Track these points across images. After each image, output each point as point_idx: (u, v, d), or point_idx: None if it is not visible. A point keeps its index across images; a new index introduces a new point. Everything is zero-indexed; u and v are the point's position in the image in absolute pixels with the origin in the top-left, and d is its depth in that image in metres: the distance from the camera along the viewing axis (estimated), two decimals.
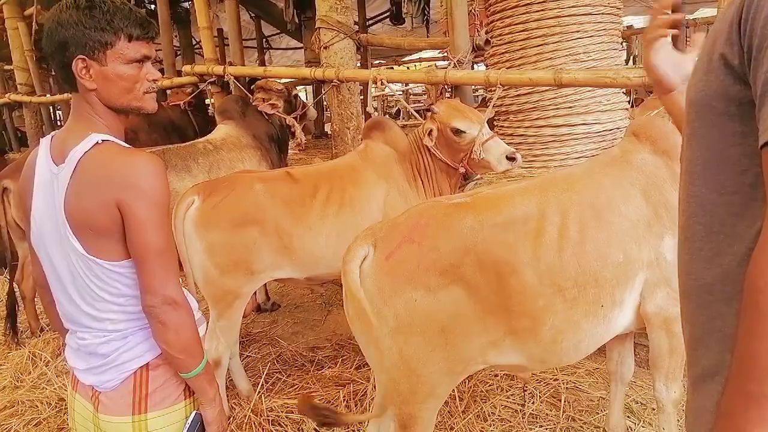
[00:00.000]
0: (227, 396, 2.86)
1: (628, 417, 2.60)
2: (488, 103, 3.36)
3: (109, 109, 1.36)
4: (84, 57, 1.29)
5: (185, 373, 1.39)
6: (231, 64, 4.95)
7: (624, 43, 8.50)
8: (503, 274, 1.77)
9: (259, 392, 2.91)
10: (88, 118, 1.34)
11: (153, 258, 1.30)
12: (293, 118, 4.24)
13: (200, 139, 3.83)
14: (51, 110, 8.53)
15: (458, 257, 1.76)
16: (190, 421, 1.45)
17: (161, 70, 6.23)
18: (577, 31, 3.54)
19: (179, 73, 5.75)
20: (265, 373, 3.13)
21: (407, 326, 1.74)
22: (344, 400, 2.81)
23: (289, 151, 4.49)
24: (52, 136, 1.40)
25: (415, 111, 3.70)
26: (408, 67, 12.87)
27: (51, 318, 1.59)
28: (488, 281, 1.76)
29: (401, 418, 1.86)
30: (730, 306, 0.72)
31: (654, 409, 2.32)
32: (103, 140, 1.31)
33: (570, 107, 3.62)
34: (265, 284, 3.97)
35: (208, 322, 2.53)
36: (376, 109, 13.64)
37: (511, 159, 2.77)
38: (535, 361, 1.90)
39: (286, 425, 2.67)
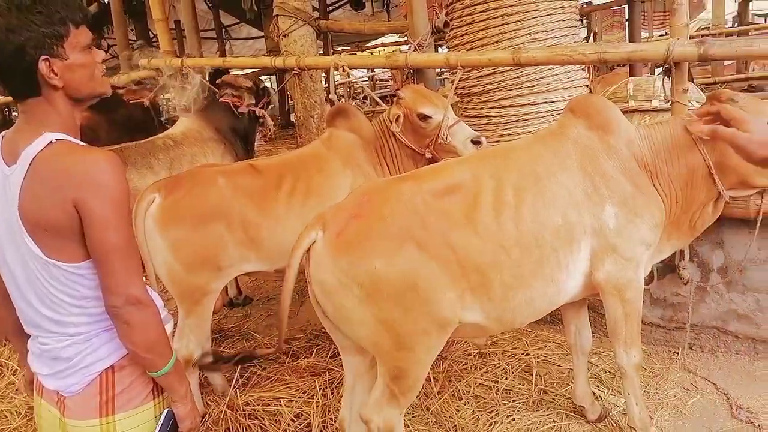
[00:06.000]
0: (202, 393, 2.83)
1: (597, 386, 2.68)
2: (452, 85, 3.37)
3: (75, 102, 1.33)
4: (47, 56, 1.25)
5: (154, 372, 1.38)
6: (189, 56, 4.84)
7: (584, 21, 8.59)
8: (446, 230, 1.87)
9: (234, 387, 2.89)
10: (43, 118, 1.30)
11: (114, 257, 1.28)
12: (260, 107, 4.17)
13: (160, 135, 3.73)
14: (7, 112, 8.26)
15: (404, 220, 1.86)
16: (162, 418, 1.44)
17: (117, 66, 6.06)
18: (536, 11, 3.56)
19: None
20: (239, 367, 3.11)
21: (375, 293, 1.81)
22: (320, 388, 2.82)
23: (255, 142, 4.42)
24: (2, 137, 1.36)
25: (381, 97, 3.69)
26: (371, 53, 12.78)
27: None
28: (435, 237, 1.86)
29: (391, 371, 1.93)
30: None
31: None
32: (57, 139, 1.27)
33: (532, 86, 3.64)
34: (236, 278, 3.93)
35: (176, 321, 2.50)
36: (342, 96, 13.54)
37: (476, 143, 2.79)
38: (491, 320, 1.98)
39: (263, 418, 2.66)
